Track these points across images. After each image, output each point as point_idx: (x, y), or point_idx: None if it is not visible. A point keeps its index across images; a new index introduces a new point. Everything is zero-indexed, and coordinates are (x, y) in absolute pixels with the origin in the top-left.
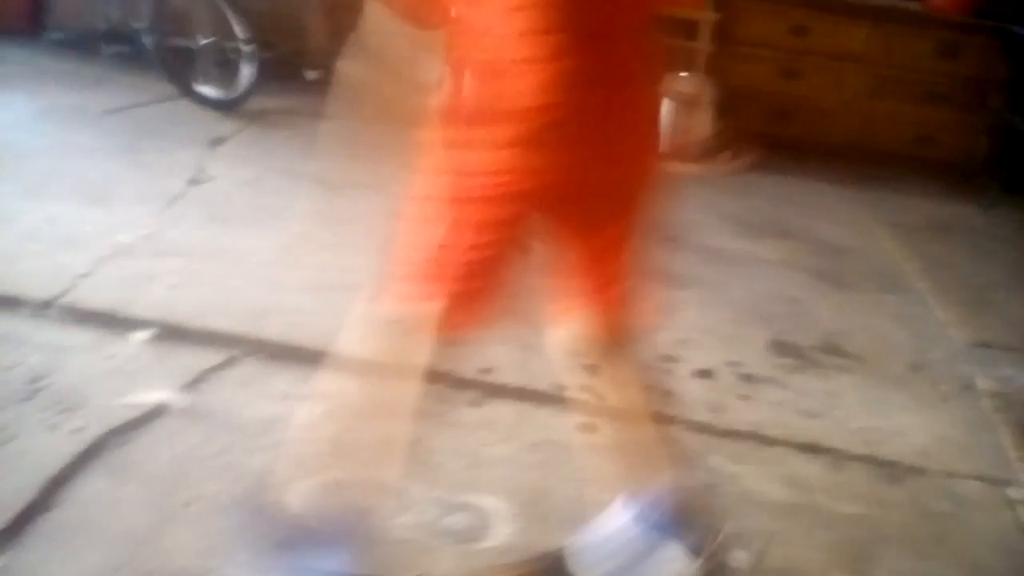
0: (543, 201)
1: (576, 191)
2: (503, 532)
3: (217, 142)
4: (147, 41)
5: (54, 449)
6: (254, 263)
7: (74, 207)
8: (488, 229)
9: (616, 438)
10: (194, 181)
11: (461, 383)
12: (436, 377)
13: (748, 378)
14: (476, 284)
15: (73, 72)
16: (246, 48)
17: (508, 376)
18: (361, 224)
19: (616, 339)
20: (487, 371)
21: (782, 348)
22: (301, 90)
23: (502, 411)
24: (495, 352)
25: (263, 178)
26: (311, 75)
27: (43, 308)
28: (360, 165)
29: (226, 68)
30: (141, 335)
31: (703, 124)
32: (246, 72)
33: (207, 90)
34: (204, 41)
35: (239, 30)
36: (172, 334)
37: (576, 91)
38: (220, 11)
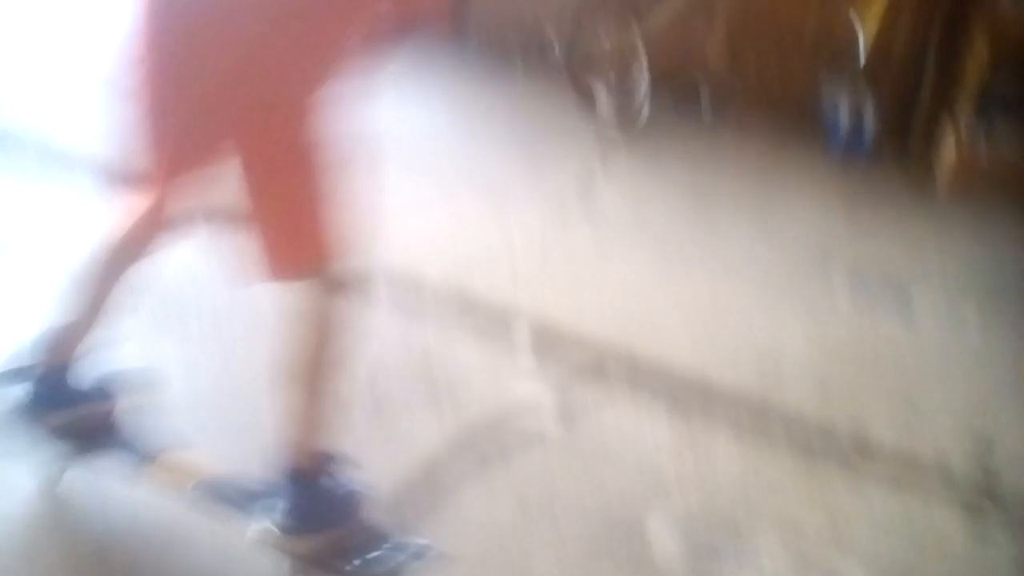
0: None
1: None
2: None
3: (610, 151)
4: (559, 54)
5: (432, 434)
6: (634, 275)
7: (475, 203)
8: None
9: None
10: (585, 188)
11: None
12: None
13: None
14: None
15: (487, 80)
16: (647, 67)
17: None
18: (742, 248)
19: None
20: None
21: None
22: (696, 106)
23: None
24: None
25: (652, 191)
26: (705, 94)
27: (442, 292)
28: (752, 187)
29: (630, 85)
30: (519, 331)
31: None
32: (643, 84)
33: (608, 105)
34: (612, 57)
35: (646, 56)
36: (548, 335)
37: None
38: (633, 31)
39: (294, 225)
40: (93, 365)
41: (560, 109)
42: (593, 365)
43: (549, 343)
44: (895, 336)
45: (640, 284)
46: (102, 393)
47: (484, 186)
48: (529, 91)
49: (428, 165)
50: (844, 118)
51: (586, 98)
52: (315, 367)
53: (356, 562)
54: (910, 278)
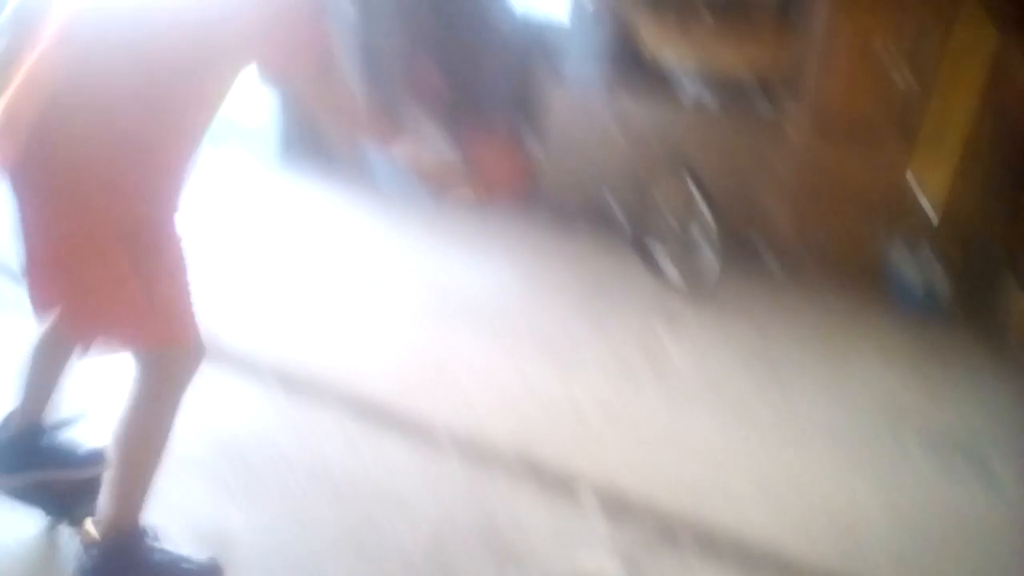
0: None
1: None
2: None
3: (675, 318)
4: (624, 222)
5: None
6: (704, 443)
7: (541, 367)
8: None
9: None
10: (650, 353)
11: None
12: None
13: None
14: None
15: (552, 246)
16: (712, 230)
17: None
18: (814, 411)
19: None
20: None
21: None
22: (763, 265)
23: None
24: None
25: (719, 359)
26: (773, 263)
27: (508, 459)
28: (822, 348)
29: (695, 253)
30: (586, 496)
31: None
32: (710, 253)
33: (674, 272)
34: (678, 226)
35: (712, 219)
36: (616, 499)
37: None
38: (690, 193)
39: (126, 308)
40: (69, 437)
41: (625, 269)
42: (662, 532)
43: (617, 508)
44: (976, 505)
45: (709, 447)
46: (69, 461)
47: (550, 346)
48: (595, 252)
49: (494, 324)
50: (913, 278)
51: (651, 259)
52: (137, 440)
53: None
54: (988, 441)
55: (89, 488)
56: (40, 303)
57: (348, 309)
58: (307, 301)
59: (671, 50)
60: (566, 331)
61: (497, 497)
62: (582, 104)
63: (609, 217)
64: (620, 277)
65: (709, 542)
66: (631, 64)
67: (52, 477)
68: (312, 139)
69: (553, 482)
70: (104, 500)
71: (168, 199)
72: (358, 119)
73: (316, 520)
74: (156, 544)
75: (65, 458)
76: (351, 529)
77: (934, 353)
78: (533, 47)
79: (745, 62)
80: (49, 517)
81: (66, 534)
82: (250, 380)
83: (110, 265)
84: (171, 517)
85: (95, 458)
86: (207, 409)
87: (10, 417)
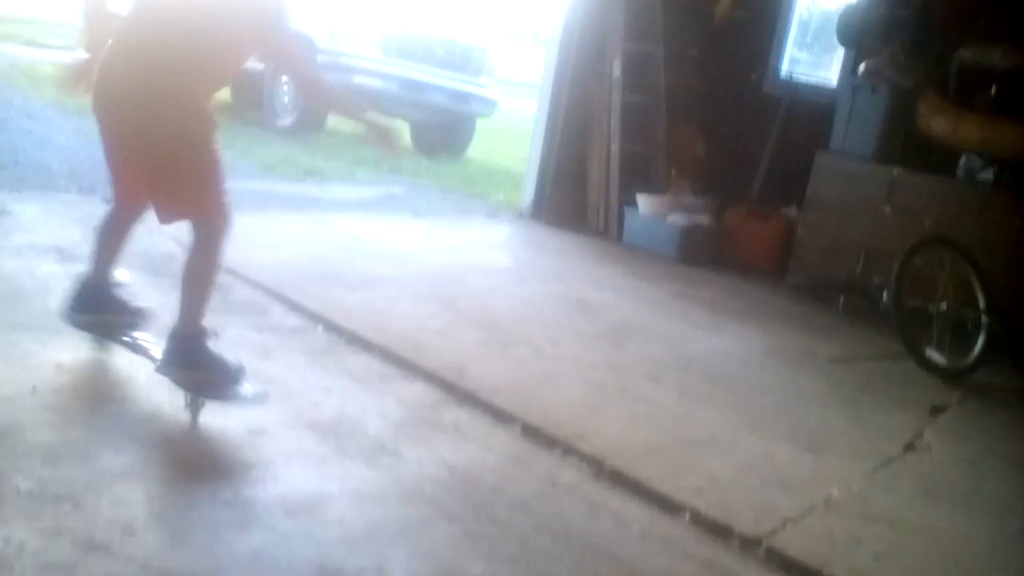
0: None
1: None
2: None
3: (938, 410)
4: (884, 297)
5: None
6: (961, 549)
7: (790, 448)
8: None
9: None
10: (910, 447)
11: None
12: None
13: None
14: None
15: (806, 316)
16: (985, 318)
17: None
18: None
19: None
20: None
21: None
22: None
23: None
24: None
25: (984, 458)
26: None
27: (751, 544)
28: None
29: (960, 335)
30: None
31: None
32: (980, 342)
33: (936, 355)
34: (943, 305)
35: (981, 299)
36: None
37: None
38: (966, 278)
39: (179, 194)
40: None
41: (884, 348)
42: None
43: None
44: None
45: (972, 557)
46: (124, 310)
47: (799, 425)
48: (852, 327)
49: (741, 396)
50: None
51: (913, 339)
52: (197, 274)
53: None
54: None
55: (134, 327)
56: (126, 195)
57: (595, 368)
58: (555, 357)
59: (946, 124)
60: (818, 412)
61: None
62: (849, 172)
63: (869, 291)
64: (877, 356)
65: None
66: (902, 134)
67: (111, 320)
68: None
69: (799, 573)
70: (179, 310)
71: (207, 124)
72: (313, 85)
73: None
74: (212, 338)
75: (121, 307)
76: None
77: None
78: (801, 114)
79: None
80: (107, 343)
81: (117, 352)
82: (497, 426)
83: (177, 168)
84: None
85: (140, 312)
86: (453, 449)
87: (87, 274)
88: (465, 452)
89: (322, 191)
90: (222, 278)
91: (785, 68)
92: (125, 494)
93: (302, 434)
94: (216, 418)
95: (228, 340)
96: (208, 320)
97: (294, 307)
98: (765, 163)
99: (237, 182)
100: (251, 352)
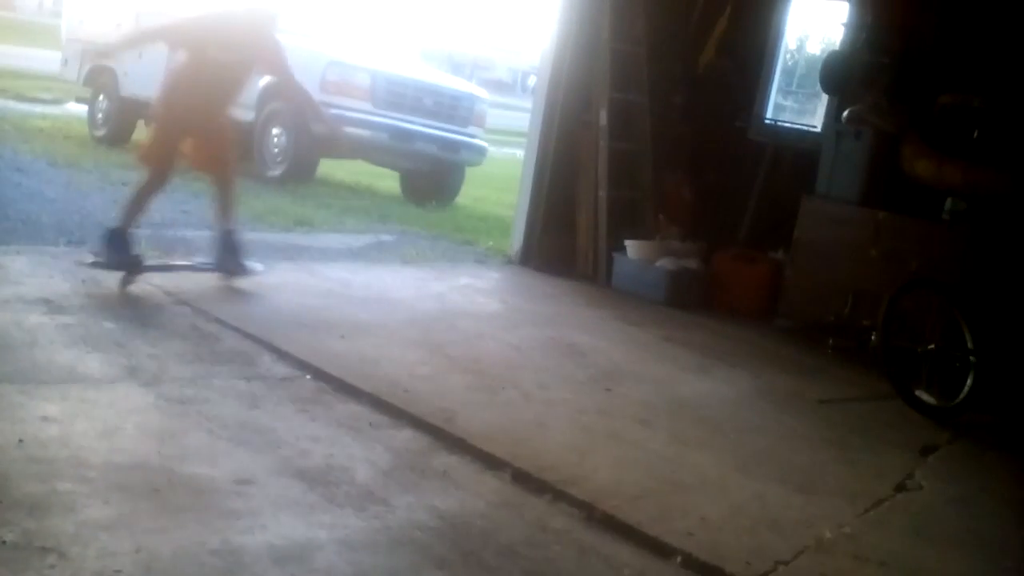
0: None
1: None
2: None
3: (928, 450)
4: (872, 338)
5: None
6: None
7: (781, 489)
8: None
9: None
10: (901, 487)
11: None
12: None
13: None
14: None
15: (795, 358)
16: (973, 358)
17: None
18: None
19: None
20: None
21: None
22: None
23: None
24: None
25: (974, 499)
26: None
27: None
28: None
29: (948, 376)
30: None
31: None
32: (968, 382)
33: (925, 395)
34: (930, 346)
35: (968, 339)
36: None
37: None
38: (952, 318)
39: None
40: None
41: (875, 394)
42: None
43: None
44: None
45: None
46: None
47: (791, 470)
48: (840, 368)
49: (731, 438)
50: None
51: (903, 387)
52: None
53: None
54: None
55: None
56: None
57: (585, 412)
58: (545, 401)
59: (930, 168)
60: (808, 453)
61: None
62: (835, 216)
63: (857, 333)
64: (867, 397)
65: None
66: (886, 178)
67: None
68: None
69: None
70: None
71: (228, 119)
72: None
73: None
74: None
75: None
76: None
77: None
78: (786, 160)
79: (1004, 184)
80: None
81: (102, 406)
82: (486, 471)
83: (217, 141)
84: None
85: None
86: (442, 496)
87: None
88: (455, 498)
89: (311, 240)
90: (210, 328)
91: (770, 115)
92: (112, 545)
93: (290, 482)
94: (203, 467)
95: (215, 390)
96: (196, 370)
97: (282, 356)
98: (752, 208)
99: None
100: (239, 402)
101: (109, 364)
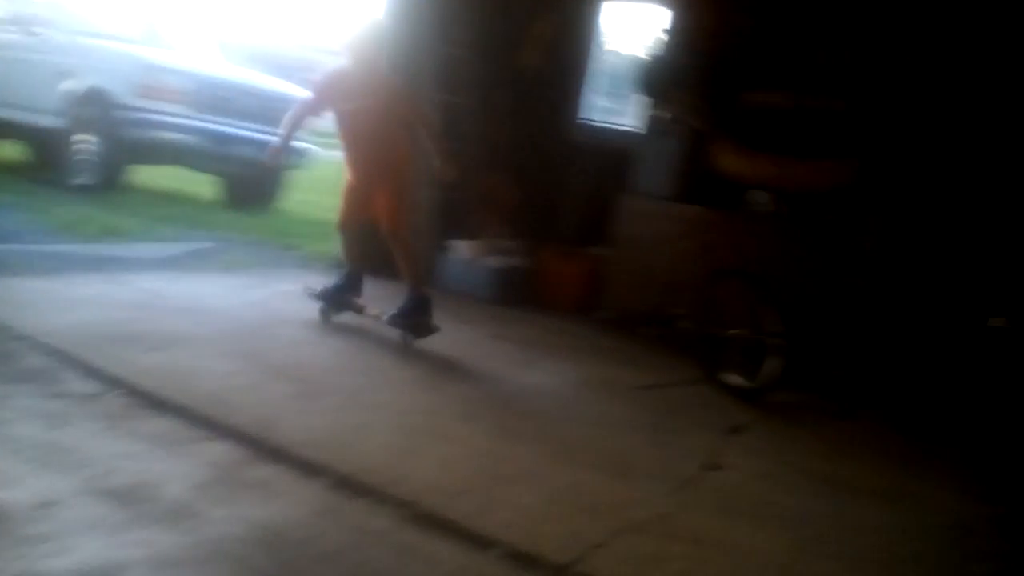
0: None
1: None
2: None
3: (735, 430)
4: (682, 326)
5: None
6: (762, 561)
7: (598, 475)
8: None
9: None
10: (709, 466)
11: None
12: None
13: None
14: None
15: (615, 348)
16: (774, 341)
17: None
18: (876, 539)
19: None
20: None
21: None
22: (824, 387)
23: None
24: None
25: (779, 473)
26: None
27: (560, 572)
28: (881, 471)
29: (755, 358)
30: None
31: None
32: (772, 364)
33: (732, 378)
34: (735, 331)
35: (772, 323)
36: None
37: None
38: (757, 304)
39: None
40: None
41: (688, 379)
42: None
43: None
44: None
45: (772, 568)
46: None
47: (608, 456)
48: (657, 356)
49: (549, 429)
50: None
51: (713, 370)
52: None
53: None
54: None
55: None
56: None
57: (411, 413)
58: (370, 404)
59: (738, 163)
60: (624, 438)
61: None
62: (649, 211)
63: (671, 321)
64: (680, 382)
65: None
66: (697, 174)
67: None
68: None
69: None
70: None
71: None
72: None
73: None
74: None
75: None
76: None
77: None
78: (605, 159)
79: (812, 179)
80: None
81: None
82: (306, 479)
83: (392, 189)
84: None
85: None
86: (260, 506)
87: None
88: (273, 508)
89: (123, 250)
90: (10, 345)
91: (588, 115)
92: None
93: (97, 502)
94: (2, 492)
95: (15, 410)
96: None
97: (90, 371)
98: (573, 205)
99: (27, 244)
100: (43, 421)
101: None
